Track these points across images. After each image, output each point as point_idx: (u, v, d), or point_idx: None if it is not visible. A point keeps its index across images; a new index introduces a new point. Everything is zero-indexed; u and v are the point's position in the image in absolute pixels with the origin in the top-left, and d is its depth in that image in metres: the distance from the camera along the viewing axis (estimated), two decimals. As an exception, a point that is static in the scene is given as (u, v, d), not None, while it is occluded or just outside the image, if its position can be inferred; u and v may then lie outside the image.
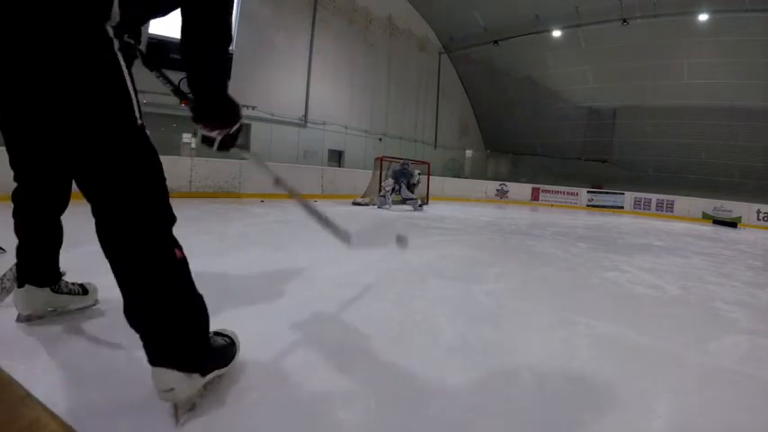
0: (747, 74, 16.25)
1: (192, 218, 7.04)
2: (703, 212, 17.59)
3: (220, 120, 1.64)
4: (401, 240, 2.95)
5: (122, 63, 1.35)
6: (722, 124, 17.57)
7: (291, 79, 16.78)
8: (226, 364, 1.68)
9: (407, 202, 12.13)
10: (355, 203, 12.25)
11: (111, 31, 1.31)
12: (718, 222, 16.68)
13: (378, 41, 19.94)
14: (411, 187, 12.36)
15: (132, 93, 1.39)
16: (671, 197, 18.49)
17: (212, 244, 4.87)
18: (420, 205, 12.22)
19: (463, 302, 3.23)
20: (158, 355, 1.42)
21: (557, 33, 19.30)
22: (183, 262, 1.51)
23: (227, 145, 1.73)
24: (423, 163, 16.39)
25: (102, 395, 1.59)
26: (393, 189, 12.08)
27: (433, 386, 1.88)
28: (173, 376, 1.41)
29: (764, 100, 16.37)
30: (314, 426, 1.55)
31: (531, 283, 4.15)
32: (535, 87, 21.93)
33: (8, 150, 1.78)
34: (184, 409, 1.47)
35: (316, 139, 17.69)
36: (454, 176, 22.03)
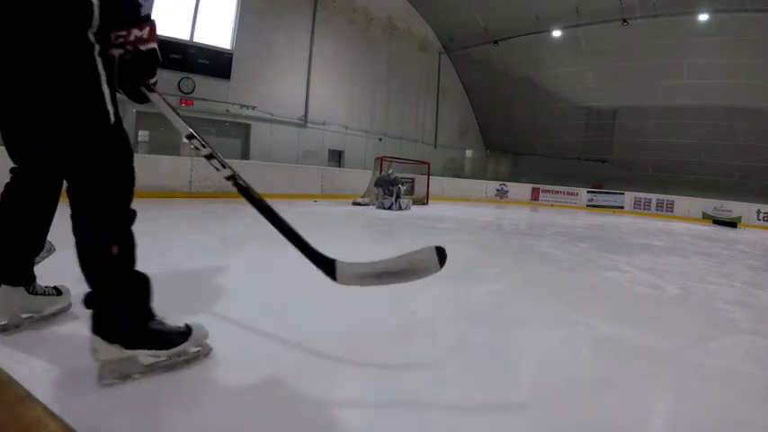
0: (747, 74, 16.24)
1: (192, 217, 7.05)
2: (703, 212, 17.60)
3: (126, 19, 1.58)
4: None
5: (100, 66, 1.49)
6: (722, 124, 17.56)
7: (291, 79, 16.78)
8: (163, 348, 1.76)
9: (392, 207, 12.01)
10: (355, 203, 12.25)
11: (92, 37, 1.45)
12: (719, 222, 16.69)
13: (378, 41, 19.93)
14: (392, 191, 12.27)
15: (107, 93, 1.52)
16: (671, 197, 18.50)
17: (211, 243, 4.87)
18: (407, 206, 12.10)
19: (463, 302, 3.24)
20: (92, 325, 1.62)
21: (556, 33, 19.29)
22: (120, 255, 1.64)
23: (134, 76, 1.66)
24: (422, 163, 16.40)
25: (101, 394, 1.59)
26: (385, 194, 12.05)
27: (433, 386, 1.88)
28: (95, 341, 1.62)
29: (764, 100, 16.36)
30: (312, 426, 1.55)
31: (531, 283, 4.16)
32: (535, 87, 21.92)
33: (5, 142, 1.81)
34: (108, 371, 1.66)
35: (316, 140, 17.69)
36: (454, 176, 22.03)
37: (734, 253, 7.72)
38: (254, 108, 15.41)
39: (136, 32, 1.58)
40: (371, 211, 10.95)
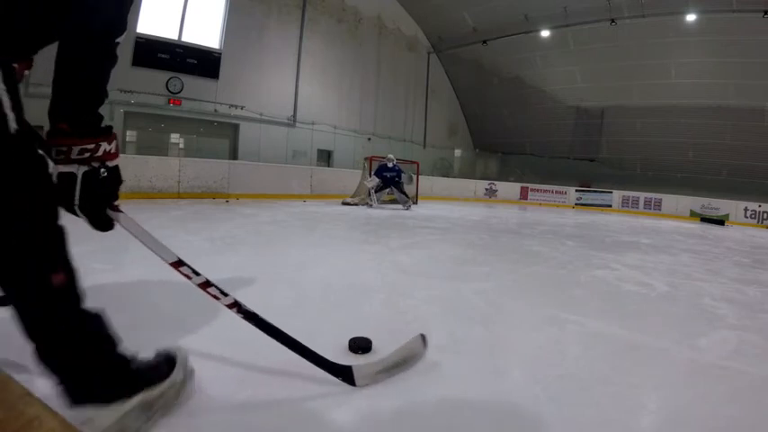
0: (734, 73, 16.39)
1: (180, 218, 7.00)
2: (691, 210, 17.74)
3: (78, 126, 1.25)
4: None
5: None
6: (709, 123, 17.71)
7: (280, 79, 16.73)
8: (159, 381, 1.52)
9: (400, 201, 12.22)
10: (344, 203, 12.23)
11: None
12: (706, 220, 16.83)
13: (367, 41, 19.91)
14: (399, 185, 12.39)
15: (4, 101, 1.13)
16: (659, 195, 18.63)
17: (200, 244, 4.84)
18: (409, 205, 12.26)
19: (453, 301, 3.23)
20: (72, 396, 1.32)
21: (545, 33, 19.36)
22: (66, 287, 1.31)
23: (93, 197, 1.31)
24: (412, 162, 16.40)
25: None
26: (379, 187, 12.11)
27: (423, 385, 1.87)
28: (87, 412, 1.32)
29: (751, 99, 16.53)
30: (306, 426, 1.54)
31: (520, 282, 4.16)
32: (524, 87, 21.99)
33: None
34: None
35: (305, 139, 17.65)
36: (443, 176, 22.04)
37: (721, 250, 7.78)
38: (242, 108, 15.36)
39: (105, 146, 1.28)
40: (361, 210, 10.94)
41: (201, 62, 14.22)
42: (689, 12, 15.96)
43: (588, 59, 19.42)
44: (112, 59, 1.28)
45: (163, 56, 13.23)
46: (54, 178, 1.25)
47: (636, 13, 16.74)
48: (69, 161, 1.24)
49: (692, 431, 1.69)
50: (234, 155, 15.40)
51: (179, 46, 13.69)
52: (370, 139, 20.15)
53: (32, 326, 1.28)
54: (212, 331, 2.27)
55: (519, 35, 19.69)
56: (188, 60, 13.88)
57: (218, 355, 1.99)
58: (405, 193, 12.47)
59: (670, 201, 18.34)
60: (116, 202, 1.40)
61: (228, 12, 14.92)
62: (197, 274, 1.59)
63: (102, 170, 1.29)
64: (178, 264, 1.57)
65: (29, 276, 1.24)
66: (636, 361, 2.32)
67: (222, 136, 15.43)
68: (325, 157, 18.77)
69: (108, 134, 1.29)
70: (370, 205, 11.91)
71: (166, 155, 13.23)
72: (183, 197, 10.32)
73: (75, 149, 1.23)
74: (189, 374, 1.66)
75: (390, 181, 12.30)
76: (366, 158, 14.39)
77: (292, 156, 17.05)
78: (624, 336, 2.70)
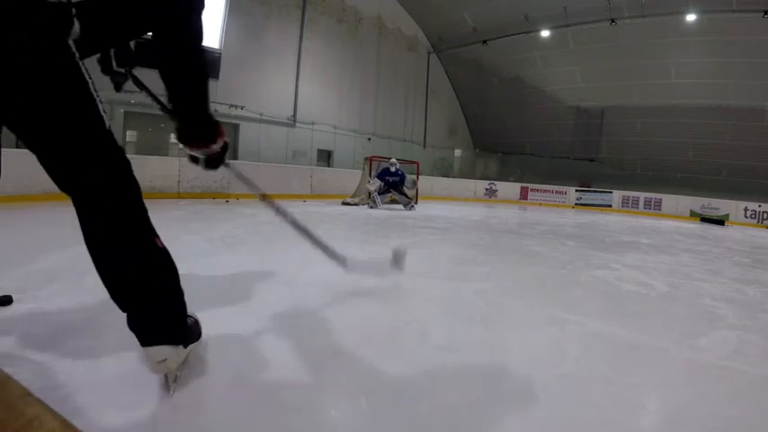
0: (734, 73, 16.41)
1: (181, 218, 7.00)
2: (691, 210, 17.74)
3: (203, 140, 1.76)
4: (398, 258, 2.91)
5: (85, 72, 1.42)
6: (709, 123, 17.73)
7: (280, 79, 16.73)
8: (197, 339, 1.84)
9: (401, 202, 12.20)
10: (344, 203, 12.22)
11: (72, 45, 1.38)
12: (706, 220, 16.83)
13: (367, 41, 19.92)
14: (399, 187, 12.36)
15: (97, 98, 1.46)
16: (659, 195, 18.63)
17: (200, 244, 4.84)
18: (411, 206, 12.23)
19: (453, 301, 3.23)
20: (152, 335, 1.56)
21: (545, 33, 19.38)
22: (165, 250, 1.63)
23: (213, 164, 1.86)
24: (412, 162, 16.39)
25: (100, 392, 1.59)
26: (381, 190, 12.07)
27: (422, 385, 1.87)
28: (164, 350, 1.55)
29: (751, 99, 16.55)
30: (303, 426, 1.54)
31: (520, 282, 4.16)
32: (524, 87, 22.01)
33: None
34: (173, 378, 1.65)
35: (305, 139, 17.65)
36: (443, 176, 22.03)
37: (721, 250, 7.78)
38: (242, 108, 15.35)
39: (217, 145, 1.80)
40: (361, 210, 10.93)
41: (201, 62, 14.17)
42: (689, 12, 15.97)
43: (588, 59, 19.43)
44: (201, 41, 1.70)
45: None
46: (186, 155, 1.83)
47: (636, 13, 16.76)
48: (196, 150, 1.77)
49: (691, 431, 1.69)
50: (234, 155, 15.38)
51: (179, 46, 13.65)
52: (370, 139, 20.15)
53: (136, 278, 1.55)
54: (212, 331, 2.27)
55: (519, 35, 19.72)
56: (188, 60, 13.83)
57: (217, 355, 1.98)
58: (406, 195, 12.46)
59: (670, 201, 18.34)
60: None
61: (228, 12, 14.91)
62: (272, 203, 2.32)
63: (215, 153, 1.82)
64: (263, 196, 2.31)
65: (144, 242, 1.59)
66: (636, 361, 2.32)
67: (222, 136, 15.40)
68: (325, 157, 18.77)
69: (216, 138, 1.78)
70: (374, 207, 11.86)
71: (166, 155, 13.21)
72: (183, 197, 10.30)
73: (197, 151, 1.78)
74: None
75: (393, 185, 12.24)
76: (366, 158, 14.38)
77: (292, 156, 17.04)
78: (624, 336, 2.70)
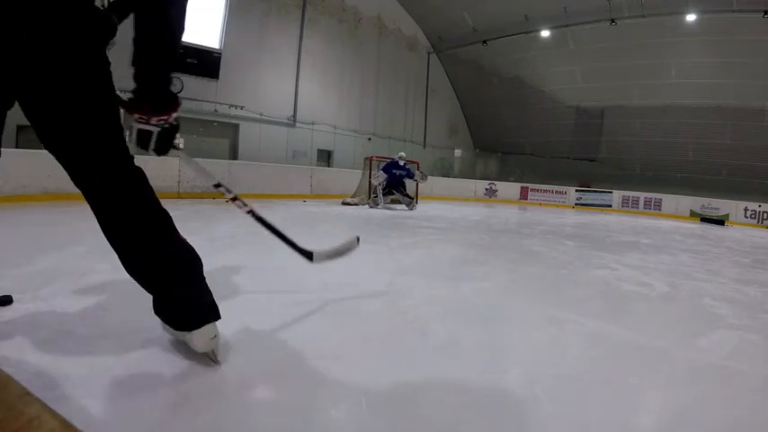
0: (734, 73, 16.40)
1: (181, 218, 6.98)
2: (691, 210, 17.74)
3: (162, 107, 1.70)
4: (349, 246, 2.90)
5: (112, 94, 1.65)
6: (710, 123, 17.71)
7: (280, 79, 16.73)
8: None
9: (403, 202, 12.19)
10: (345, 203, 12.22)
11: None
12: (706, 220, 16.83)
13: (367, 41, 19.91)
14: (403, 186, 12.37)
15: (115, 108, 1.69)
16: (659, 195, 18.63)
17: (201, 244, 4.83)
18: (413, 206, 12.22)
19: (453, 301, 3.23)
20: (202, 316, 1.81)
21: (545, 33, 19.37)
22: (185, 242, 1.90)
23: (166, 140, 1.78)
24: (412, 162, 16.39)
25: (100, 392, 1.59)
26: (384, 189, 12.05)
27: (423, 385, 1.87)
28: (213, 327, 1.83)
29: (751, 99, 16.53)
30: (303, 425, 1.54)
31: (520, 282, 4.16)
32: (524, 87, 22.00)
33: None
34: (217, 351, 1.87)
35: (305, 139, 17.65)
36: (443, 176, 22.00)
37: (721, 250, 7.78)
38: (242, 108, 15.36)
39: (174, 114, 1.74)
40: (362, 210, 10.93)
41: (201, 62, 14.20)
42: (689, 12, 15.96)
43: (588, 59, 19.42)
44: (183, 19, 1.70)
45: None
46: (134, 132, 1.71)
47: (636, 13, 16.74)
48: (148, 124, 1.69)
49: (691, 431, 1.69)
50: (234, 155, 15.40)
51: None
52: (370, 139, 20.15)
53: (165, 274, 1.80)
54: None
55: (519, 35, 19.70)
56: (188, 60, 13.85)
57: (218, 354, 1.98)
58: (408, 195, 12.47)
59: (670, 201, 18.34)
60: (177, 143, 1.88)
61: (228, 12, 14.92)
62: (229, 192, 2.15)
63: (169, 126, 1.75)
64: (217, 185, 2.14)
65: (167, 238, 1.84)
66: (636, 361, 2.32)
67: (222, 136, 15.42)
68: (326, 158, 18.76)
69: (175, 107, 1.73)
70: (377, 204, 11.83)
71: (166, 155, 13.19)
72: (183, 197, 10.31)
73: (154, 119, 1.69)
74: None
75: (398, 180, 12.24)
76: (366, 158, 14.37)
77: (292, 156, 17.04)
78: (624, 336, 2.70)
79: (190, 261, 1.87)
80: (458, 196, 19.50)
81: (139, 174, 1.76)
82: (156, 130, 1.71)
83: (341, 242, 2.72)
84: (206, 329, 1.79)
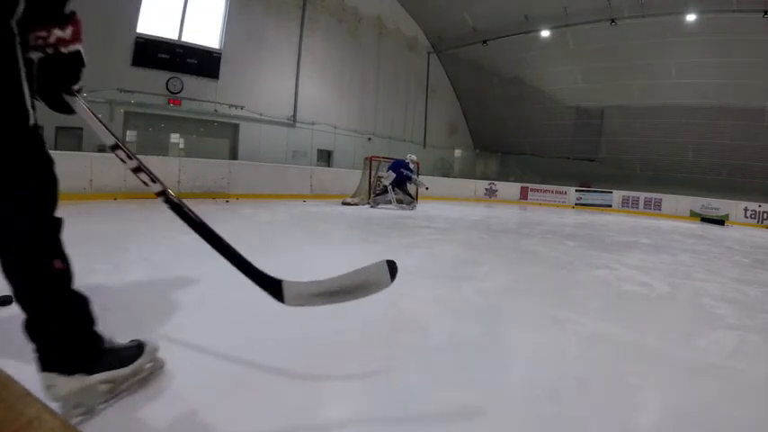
0: (735, 73, 16.37)
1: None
2: (691, 210, 17.74)
3: (50, 17, 1.32)
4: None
5: (21, 61, 1.26)
6: (710, 123, 17.69)
7: (280, 79, 16.71)
8: (121, 366, 1.61)
9: (404, 202, 12.23)
10: (345, 203, 12.23)
11: (14, 27, 1.24)
12: (706, 220, 16.83)
13: (367, 41, 19.89)
14: (406, 186, 12.45)
15: (27, 91, 1.30)
16: (659, 195, 18.62)
17: (200, 244, 4.83)
18: (413, 206, 12.26)
19: (453, 301, 3.23)
20: (42, 362, 1.45)
21: (545, 33, 19.35)
22: (63, 272, 1.45)
23: (65, 71, 1.40)
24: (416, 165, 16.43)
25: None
26: (394, 185, 12.12)
27: (422, 385, 1.87)
28: (49, 378, 1.44)
29: (751, 99, 16.52)
30: (304, 425, 1.54)
31: (520, 282, 4.16)
32: (524, 87, 21.97)
33: None
34: (71, 407, 1.47)
35: (304, 139, 17.63)
36: (443, 176, 22.00)
37: (721, 250, 7.78)
38: (242, 108, 15.34)
39: (57, 33, 1.33)
40: (362, 210, 10.93)
41: (201, 62, 14.20)
42: (689, 12, 15.95)
43: (588, 59, 19.40)
44: None
45: (163, 56, 13.22)
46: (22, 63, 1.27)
47: (636, 13, 16.73)
48: (29, 49, 1.29)
49: (691, 431, 1.69)
50: (234, 155, 15.39)
51: (179, 46, 13.67)
52: (370, 139, 20.13)
53: (28, 301, 1.43)
54: (211, 331, 2.27)
55: (519, 35, 19.67)
56: (188, 60, 13.85)
57: (217, 355, 1.98)
58: (409, 194, 12.50)
59: (670, 201, 18.33)
60: (77, 88, 1.47)
61: (228, 12, 14.91)
62: (130, 158, 1.62)
63: (56, 56, 1.34)
64: (114, 147, 1.59)
65: (35, 262, 1.39)
66: (636, 361, 2.32)
67: (222, 136, 15.41)
68: (326, 158, 18.75)
69: (61, 20, 1.32)
70: (374, 206, 11.89)
71: (166, 155, 13.21)
72: (183, 197, 10.25)
73: (32, 37, 1.29)
74: (157, 365, 1.77)
75: (403, 179, 12.32)
76: (366, 158, 14.37)
77: (292, 156, 17.03)
78: (624, 336, 2.70)
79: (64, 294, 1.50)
80: (458, 196, 19.49)
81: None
82: (36, 56, 1.33)
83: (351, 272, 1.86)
84: (41, 375, 1.46)
